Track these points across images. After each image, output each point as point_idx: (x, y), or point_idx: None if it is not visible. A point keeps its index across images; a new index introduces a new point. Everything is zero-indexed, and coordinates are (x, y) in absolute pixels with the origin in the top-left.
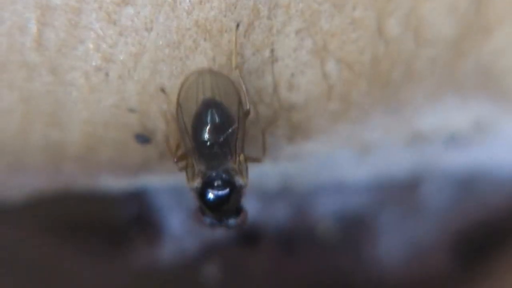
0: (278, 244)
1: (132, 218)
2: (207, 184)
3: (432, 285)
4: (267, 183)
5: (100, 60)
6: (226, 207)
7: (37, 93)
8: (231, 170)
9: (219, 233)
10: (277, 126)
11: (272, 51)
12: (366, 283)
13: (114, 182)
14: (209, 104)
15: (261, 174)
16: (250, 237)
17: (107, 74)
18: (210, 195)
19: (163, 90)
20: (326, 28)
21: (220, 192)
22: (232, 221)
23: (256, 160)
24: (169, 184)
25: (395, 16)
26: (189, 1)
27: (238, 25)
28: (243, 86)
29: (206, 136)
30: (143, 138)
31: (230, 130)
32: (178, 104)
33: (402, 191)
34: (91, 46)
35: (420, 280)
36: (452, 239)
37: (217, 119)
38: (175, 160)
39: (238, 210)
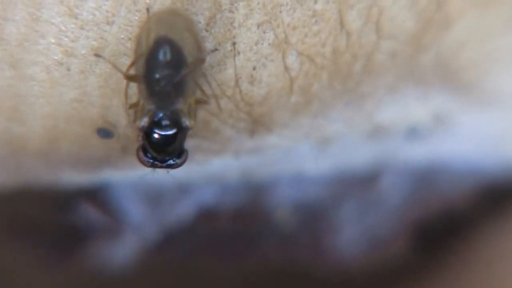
0: (237, 234)
1: (93, 213)
2: (155, 124)
3: (391, 276)
4: (228, 175)
5: (62, 54)
6: (171, 148)
7: None
8: (180, 111)
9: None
10: (239, 119)
11: (233, 44)
12: (325, 274)
13: (76, 177)
14: (163, 42)
15: (222, 167)
16: (209, 227)
17: (68, 69)
18: (156, 135)
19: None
20: (287, 21)
21: (167, 132)
22: (173, 162)
23: (204, 101)
24: (131, 179)
25: (356, 8)
26: None
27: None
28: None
29: (158, 74)
30: (105, 132)
31: (183, 71)
32: (137, 41)
33: (362, 184)
34: (52, 40)
35: (379, 271)
36: (411, 230)
37: (169, 58)
38: (128, 106)
39: (181, 152)
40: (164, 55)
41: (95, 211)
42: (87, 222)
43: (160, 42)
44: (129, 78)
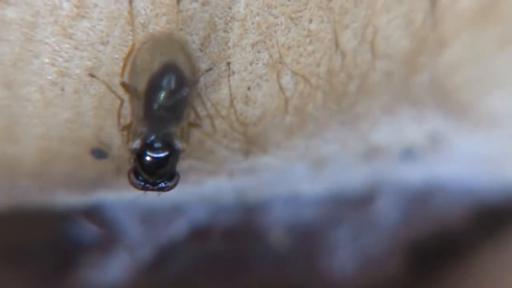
0: (230, 255)
1: (86, 233)
2: (147, 146)
3: None
4: (222, 196)
5: (56, 74)
6: (163, 171)
7: None
8: (173, 134)
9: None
10: (233, 139)
11: (228, 64)
12: None
13: (69, 198)
14: (170, 70)
15: (216, 187)
16: (202, 247)
17: (62, 89)
18: (148, 157)
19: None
20: (282, 41)
21: (159, 155)
22: (164, 185)
23: (197, 125)
24: (125, 199)
25: (351, 28)
26: (145, 14)
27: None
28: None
29: (158, 98)
30: (100, 153)
31: (180, 95)
32: (134, 63)
33: (357, 204)
34: (46, 60)
35: None
36: (406, 251)
37: (172, 84)
38: (120, 128)
39: (172, 175)
40: (168, 82)
41: (89, 231)
42: (80, 242)
43: (166, 70)
44: (124, 86)
